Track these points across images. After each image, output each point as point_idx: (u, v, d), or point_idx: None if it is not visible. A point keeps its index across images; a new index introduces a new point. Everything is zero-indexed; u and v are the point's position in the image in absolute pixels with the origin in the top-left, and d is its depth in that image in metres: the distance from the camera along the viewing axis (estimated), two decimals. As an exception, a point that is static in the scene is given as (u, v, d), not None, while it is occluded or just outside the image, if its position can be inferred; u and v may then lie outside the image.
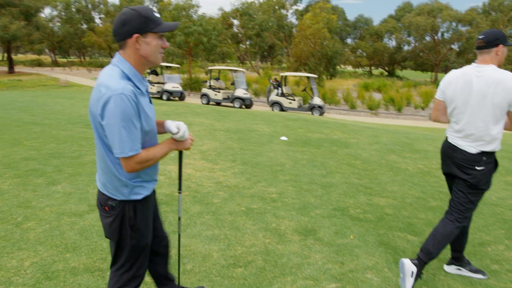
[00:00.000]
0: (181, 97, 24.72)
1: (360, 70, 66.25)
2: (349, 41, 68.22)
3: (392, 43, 63.28)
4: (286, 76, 23.29)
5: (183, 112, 12.86)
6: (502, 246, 3.90)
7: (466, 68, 2.92)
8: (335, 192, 5.13)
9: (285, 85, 23.05)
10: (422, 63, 58.03)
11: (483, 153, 2.86)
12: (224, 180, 5.44)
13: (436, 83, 42.54)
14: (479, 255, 3.67)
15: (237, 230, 3.85)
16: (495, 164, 2.97)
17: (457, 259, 3.32)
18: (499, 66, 2.86)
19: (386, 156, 7.50)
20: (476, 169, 2.88)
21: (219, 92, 23.08)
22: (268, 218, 4.18)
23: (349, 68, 70.93)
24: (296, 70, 34.08)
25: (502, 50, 2.84)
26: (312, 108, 21.44)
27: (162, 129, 2.16)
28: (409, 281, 2.93)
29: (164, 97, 24.08)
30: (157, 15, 1.87)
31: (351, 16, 77.60)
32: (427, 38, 54.78)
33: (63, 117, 10.06)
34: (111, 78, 1.78)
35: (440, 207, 4.84)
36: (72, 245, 3.36)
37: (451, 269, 3.32)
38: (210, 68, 25.20)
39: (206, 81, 24.95)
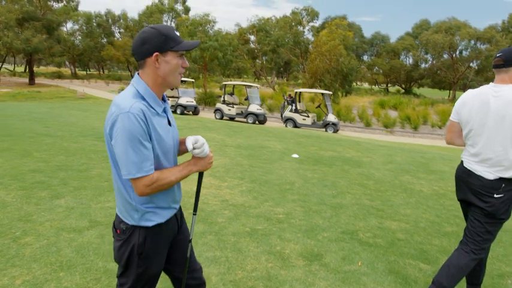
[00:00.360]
0: (195, 111, 24.82)
1: (376, 87, 65.83)
2: (365, 58, 68.02)
3: (409, 60, 62.89)
4: (300, 92, 23.20)
5: (195, 127, 12.82)
6: (523, 278, 3.64)
7: (483, 88, 2.75)
8: (345, 214, 4.93)
9: (300, 101, 22.92)
10: (439, 81, 57.34)
11: (502, 179, 2.66)
12: (230, 198, 5.30)
13: (454, 101, 41.90)
14: (498, 288, 3.43)
15: (239, 253, 3.68)
16: None
17: None
18: None
19: (400, 177, 7.26)
20: (494, 197, 2.68)
21: (232, 107, 23.08)
22: (273, 240, 4.01)
23: (366, 85, 70.59)
24: (311, 86, 33.99)
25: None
26: (326, 125, 21.23)
27: (184, 147, 2.01)
28: None
29: (178, 111, 24.21)
30: (178, 33, 1.82)
31: (367, 33, 77.53)
32: (445, 56, 54.22)
33: (76, 129, 10.10)
34: (124, 97, 1.74)
35: (456, 233, 4.60)
36: (67, 263, 3.24)
37: None
38: (224, 83, 25.29)
39: (220, 97, 25.04)
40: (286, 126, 21.55)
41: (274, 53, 51.11)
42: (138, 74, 1.84)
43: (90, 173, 5.99)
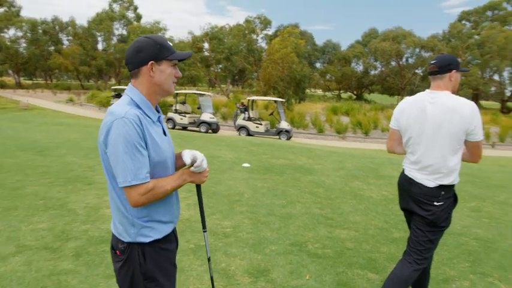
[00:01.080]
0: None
1: (329, 94, 67.25)
2: (318, 65, 69.42)
3: (359, 67, 64.86)
4: (253, 100, 23.17)
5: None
6: (467, 283, 3.66)
7: (420, 95, 2.73)
8: (294, 225, 4.81)
9: (253, 109, 22.89)
10: (388, 87, 59.53)
11: (441, 187, 2.63)
12: (180, 213, 5.03)
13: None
14: (444, 294, 3.41)
15: (181, 272, 3.44)
16: (455, 199, 2.75)
17: None
18: (453, 92, 2.68)
19: (350, 183, 7.29)
20: (435, 204, 2.64)
21: (185, 116, 22.63)
22: (218, 256, 3.80)
23: (319, 92, 72.04)
24: (265, 94, 34.14)
25: (455, 76, 2.66)
26: (279, 132, 21.30)
27: (181, 161, 1.95)
28: None
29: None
30: (171, 43, 1.82)
31: (319, 41, 79.45)
32: (393, 63, 56.50)
33: (14, 143, 9.41)
34: (118, 105, 1.72)
35: (404, 238, 4.59)
36: (-18, 298, 2.88)
37: None
38: (176, 91, 24.81)
39: (172, 105, 24.51)
40: (239, 134, 21.41)
41: (228, 61, 51.01)
42: (131, 83, 1.82)
43: (24, 191, 5.52)
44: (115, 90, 27.27)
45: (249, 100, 22.55)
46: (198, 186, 2.05)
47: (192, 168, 1.85)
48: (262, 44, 54.75)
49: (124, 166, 1.63)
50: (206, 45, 50.14)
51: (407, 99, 2.81)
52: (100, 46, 61.18)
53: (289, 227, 4.74)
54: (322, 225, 4.91)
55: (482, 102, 58.74)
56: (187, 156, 1.87)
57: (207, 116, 22.00)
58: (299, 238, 4.41)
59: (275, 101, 23.83)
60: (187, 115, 22.79)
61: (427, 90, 2.73)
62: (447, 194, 2.65)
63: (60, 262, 3.51)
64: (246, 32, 51.43)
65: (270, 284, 3.33)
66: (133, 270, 1.77)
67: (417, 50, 52.63)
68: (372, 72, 62.26)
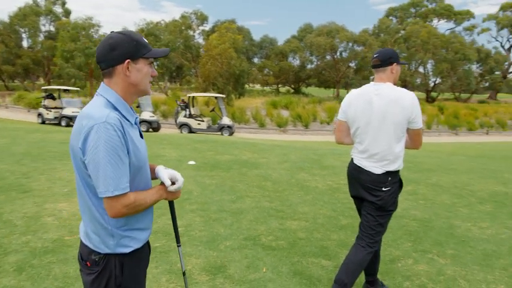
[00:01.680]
0: (82, 122, 23.01)
1: (267, 88, 68.04)
2: (256, 60, 69.95)
3: (296, 62, 66.21)
4: (194, 97, 22.92)
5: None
6: (411, 260, 3.92)
7: (365, 87, 2.87)
8: (245, 219, 4.85)
9: (193, 106, 22.64)
10: (325, 80, 61.44)
11: (388, 173, 2.80)
12: (124, 215, 4.87)
13: (338, 98, 45.23)
14: (392, 273, 3.63)
15: (136, 277, 3.35)
16: (400, 184, 2.93)
17: (371, 283, 3.22)
18: (394, 83, 2.86)
19: (296, 175, 7.47)
20: (383, 190, 2.80)
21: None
22: (173, 257, 3.74)
23: (258, 87, 72.67)
24: (205, 90, 33.88)
25: (396, 69, 2.85)
26: (221, 128, 21.28)
27: (153, 175, 1.86)
28: None
29: (63, 123, 22.17)
30: (146, 40, 1.70)
31: (256, 36, 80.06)
32: (328, 57, 58.34)
33: None
34: (94, 108, 1.58)
35: (351, 224, 4.81)
36: None
37: None
38: (113, 90, 23.88)
39: (110, 105, 23.58)
40: (181, 132, 21.09)
41: (165, 57, 49.94)
42: (103, 82, 1.68)
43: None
44: (45, 90, 25.64)
45: (189, 97, 22.26)
46: (171, 202, 2.00)
47: (171, 188, 1.77)
48: (200, 40, 54.11)
49: (106, 175, 1.51)
50: (141, 42, 48.70)
51: (353, 92, 2.94)
52: (25, 43, 57.01)
53: (241, 221, 4.77)
54: (273, 217, 5.00)
55: (410, 93, 62.42)
56: (165, 176, 1.78)
57: (147, 115, 21.41)
58: (252, 232, 4.45)
59: (215, 97, 23.74)
60: (125, 114, 22.06)
61: (371, 82, 2.87)
62: (393, 179, 2.82)
63: (0, 279, 3.27)
64: (183, 28, 50.53)
65: (228, 279, 3.34)
66: (107, 283, 1.66)
67: (350, 44, 54.77)
68: (308, 66, 63.86)
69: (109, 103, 1.62)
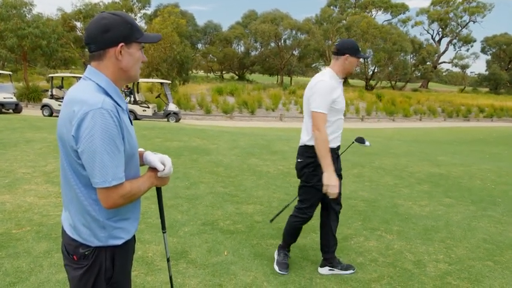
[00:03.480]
0: (17, 109, 21.41)
1: (212, 75, 67.50)
2: (200, 46, 68.99)
3: (240, 48, 66.29)
4: (137, 83, 22.22)
5: (19, 127, 11.05)
6: (362, 238, 4.18)
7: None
8: (202, 205, 4.88)
9: (138, 92, 21.96)
10: (269, 67, 62.06)
11: (302, 146, 3.19)
12: (75, 204, 4.71)
13: (282, 85, 45.87)
14: (346, 250, 3.85)
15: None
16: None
17: (328, 260, 3.41)
18: (347, 73, 3.12)
19: (247, 160, 7.58)
20: (298, 161, 3.22)
21: (63, 102, 20.76)
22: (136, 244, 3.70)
23: (202, 73, 71.78)
24: (148, 76, 32.90)
25: (350, 60, 3.06)
26: (167, 115, 20.86)
27: (141, 161, 1.78)
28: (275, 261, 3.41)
29: (-6, 110, 20.58)
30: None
31: (200, 22, 78.75)
32: (272, 44, 58.91)
33: None
34: (85, 92, 1.47)
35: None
36: None
37: (325, 270, 3.40)
38: (51, 75, 22.48)
39: (47, 90, 22.18)
40: None
41: (103, 41, 47.77)
42: (91, 65, 1.56)
43: None
44: None
45: (133, 83, 21.54)
46: (159, 189, 1.92)
47: (160, 174, 1.69)
48: (142, 23, 52.26)
49: (103, 164, 1.42)
50: (79, 24, 46.12)
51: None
52: None
53: (197, 207, 4.79)
54: (229, 202, 5.07)
55: (350, 81, 64.89)
56: (156, 161, 1.70)
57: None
58: (209, 217, 4.50)
59: (161, 83, 23.17)
60: (64, 101, 20.90)
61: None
62: (306, 153, 3.13)
63: None
64: (123, 10, 48.46)
65: (191, 264, 3.38)
66: (96, 277, 1.58)
67: (294, 32, 55.61)
68: (253, 53, 64.12)
69: (100, 88, 1.52)
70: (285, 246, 3.43)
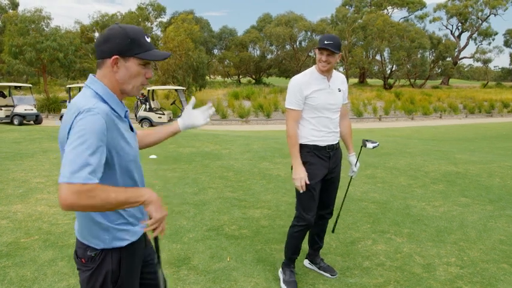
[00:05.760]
0: (38, 120, 21.99)
1: (229, 79, 67.85)
2: (216, 51, 69.45)
3: (256, 52, 66.35)
4: (153, 90, 22.49)
5: (38, 137, 11.33)
6: (370, 241, 4.07)
7: None
8: (208, 211, 4.85)
9: (153, 99, 22.22)
10: (285, 69, 61.94)
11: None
12: (84, 213, 4.75)
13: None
14: (352, 254, 3.75)
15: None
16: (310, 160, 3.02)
17: (310, 255, 3.46)
18: (321, 70, 2.95)
19: (258, 164, 7.53)
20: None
21: (68, 110, 21.14)
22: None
23: (219, 78, 72.25)
24: (165, 83, 33.29)
25: (317, 53, 2.94)
26: None
27: (171, 129, 2.02)
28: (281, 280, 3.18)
29: (16, 122, 21.12)
30: (148, 39, 1.61)
31: (215, 27, 79.37)
32: (287, 47, 58.84)
33: None
34: (82, 98, 1.54)
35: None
36: None
37: (306, 262, 3.50)
38: (69, 86, 22.99)
39: (65, 101, 22.67)
40: (142, 126, 20.67)
41: (122, 51, 48.64)
42: (92, 74, 1.62)
43: None
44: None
45: (148, 90, 21.82)
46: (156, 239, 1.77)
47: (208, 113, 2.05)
48: (158, 32, 53.02)
49: (71, 158, 1.36)
50: (97, 34, 47.11)
51: None
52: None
53: (204, 213, 4.77)
54: (236, 207, 5.03)
55: (368, 80, 64.21)
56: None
57: (105, 110, 20.82)
58: (215, 223, 4.47)
59: (176, 90, 23.39)
60: (82, 110, 21.30)
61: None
62: (302, 152, 3.00)
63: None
64: (140, 19, 49.31)
65: (193, 271, 3.35)
66: (104, 279, 1.60)
67: (309, 33, 55.41)
68: (269, 56, 64.12)
69: (97, 95, 1.56)
70: (289, 263, 3.21)
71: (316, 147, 3.00)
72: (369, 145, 3.44)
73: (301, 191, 2.96)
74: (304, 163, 2.97)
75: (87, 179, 1.36)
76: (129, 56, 1.56)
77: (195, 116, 2.06)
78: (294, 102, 2.96)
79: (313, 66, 3.04)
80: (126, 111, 1.67)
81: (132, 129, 1.71)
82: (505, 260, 3.67)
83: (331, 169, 3.10)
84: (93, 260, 1.60)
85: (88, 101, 1.50)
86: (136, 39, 1.57)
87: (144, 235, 1.82)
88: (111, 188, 1.46)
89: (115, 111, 1.57)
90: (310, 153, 3.00)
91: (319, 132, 3.00)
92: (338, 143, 3.18)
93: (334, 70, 3.06)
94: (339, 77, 3.12)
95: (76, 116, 1.44)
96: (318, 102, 2.95)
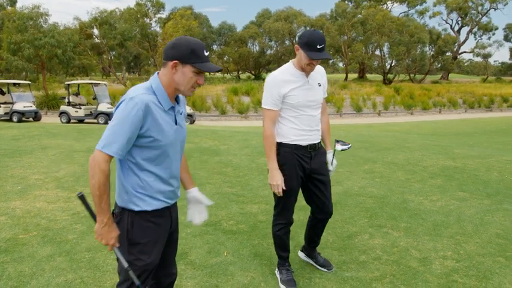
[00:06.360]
0: (37, 117, 22.00)
1: (228, 75, 67.74)
2: (215, 47, 69.30)
3: (256, 48, 66.25)
4: (78, 85, 22.86)
5: (37, 134, 11.32)
6: (367, 235, 4.09)
7: None
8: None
9: (78, 94, 22.45)
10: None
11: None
12: (82, 209, 4.76)
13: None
14: (349, 249, 3.77)
15: (96, 270, 3.32)
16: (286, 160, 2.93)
17: (306, 249, 3.47)
18: (300, 66, 2.83)
19: (256, 160, 7.55)
20: None
21: (80, 108, 21.12)
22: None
23: (218, 74, 72.19)
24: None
25: (299, 53, 2.79)
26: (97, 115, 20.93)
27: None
28: (279, 280, 3.15)
29: (15, 119, 21.13)
30: (206, 53, 1.92)
31: (214, 23, 79.20)
32: (287, 42, 58.77)
33: None
34: (136, 88, 1.92)
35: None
36: None
37: (302, 254, 3.51)
38: (67, 82, 22.97)
39: (64, 98, 22.67)
40: (61, 120, 20.75)
41: (122, 47, 48.42)
42: (158, 72, 1.98)
43: None
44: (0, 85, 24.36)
45: (68, 85, 22.28)
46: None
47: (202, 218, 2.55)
48: (157, 28, 52.82)
49: (107, 134, 1.83)
50: (96, 31, 46.95)
51: None
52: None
53: (202, 208, 4.78)
54: (234, 202, 5.05)
55: (368, 75, 64.10)
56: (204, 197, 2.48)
57: (104, 107, 20.79)
58: (213, 218, 4.48)
59: (91, 83, 23.33)
60: (82, 107, 21.29)
61: None
62: (282, 151, 2.91)
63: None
64: (138, 16, 49.11)
65: (190, 265, 3.37)
66: (122, 233, 1.97)
67: (308, 29, 55.30)
68: (268, 52, 64.05)
69: (150, 88, 1.92)
70: (283, 262, 3.17)
71: (297, 147, 2.88)
72: (337, 146, 3.14)
73: (279, 196, 2.91)
74: (283, 164, 2.89)
75: (115, 154, 1.83)
76: (187, 63, 1.88)
77: (197, 208, 2.50)
78: (270, 102, 2.82)
79: (290, 62, 2.88)
80: (173, 106, 1.98)
81: (176, 123, 2.01)
82: (501, 253, 3.69)
83: (313, 169, 2.98)
84: (116, 215, 2.01)
85: (138, 90, 1.88)
86: (196, 51, 1.88)
87: (170, 215, 2.15)
88: (106, 199, 1.86)
89: (160, 103, 1.91)
90: (290, 153, 2.88)
91: (301, 131, 2.88)
92: (320, 142, 3.06)
93: None
94: (317, 71, 2.95)
95: (123, 101, 1.85)
96: (297, 100, 2.82)
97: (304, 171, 2.96)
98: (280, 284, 3.10)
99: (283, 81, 2.80)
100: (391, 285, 3.11)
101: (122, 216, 1.98)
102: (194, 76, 1.91)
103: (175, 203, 2.21)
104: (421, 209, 4.88)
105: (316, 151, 2.98)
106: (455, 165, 7.39)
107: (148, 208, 1.98)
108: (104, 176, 1.82)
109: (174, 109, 2.00)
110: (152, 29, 51.93)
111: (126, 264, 1.96)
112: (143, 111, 1.83)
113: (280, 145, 2.90)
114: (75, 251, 3.66)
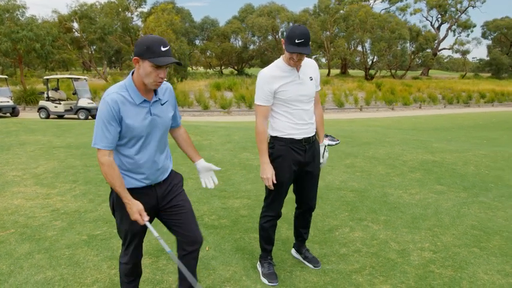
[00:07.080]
0: (14, 112, 21.46)
1: (211, 71, 67.34)
2: (198, 42, 68.77)
3: (238, 43, 66.08)
4: (58, 80, 22.51)
5: (15, 130, 11.08)
6: (347, 229, 4.15)
7: None
8: (189, 201, 4.86)
9: (57, 89, 22.12)
10: (268, 60, 61.75)
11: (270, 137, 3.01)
12: (62, 206, 4.71)
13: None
14: (329, 242, 3.83)
15: (76, 266, 3.29)
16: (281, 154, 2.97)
17: (296, 245, 3.51)
18: (290, 65, 2.84)
19: (239, 155, 7.56)
20: None
21: (59, 103, 20.69)
22: (114, 243, 3.70)
23: (201, 69, 71.63)
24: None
25: (286, 48, 2.77)
26: (77, 111, 20.66)
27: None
28: (260, 274, 3.18)
29: (-9, 114, 20.63)
30: (163, 48, 2.08)
31: (197, 18, 78.46)
32: (270, 37, 58.74)
33: None
34: (112, 87, 2.20)
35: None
36: None
37: (293, 251, 3.56)
38: (46, 77, 22.47)
39: (43, 93, 22.18)
40: (40, 116, 20.44)
41: (103, 41, 47.64)
42: (133, 71, 2.23)
43: None
44: None
45: (47, 79, 21.92)
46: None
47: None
48: (139, 22, 52.15)
49: (95, 132, 2.17)
50: (76, 25, 46.03)
51: None
52: None
53: (184, 204, 4.77)
54: (216, 197, 5.06)
55: (350, 71, 64.63)
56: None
57: (84, 102, 20.40)
58: (195, 213, 4.46)
59: (70, 78, 23.00)
60: (62, 102, 20.86)
61: None
62: (276, 145, 2.98)
63: None
64: (120, 9, 48.37)
65: (171, 261, 3.37)
66: (111, 202, 2.41)
67: (291, 24, 55.36)
68: (251, 47, 63.94)
69: (124, 85, 2.20)
70: (266, 255, 3.20)
71: (291, 141, 2.93)
72: (325, 141, 3.20)
73: (270, 189, 2.97)
74: (277, 158, 2.94)
75: (105, 146, 2.16)
76: (145, 59, 2.08)
77: (207, 175, 2.99)
78: (262, 98, 2.88)
79: (281, 57, 2.91)
80: (144, 100, 2.21)
81: (151, 114, 2.23)
82: (476, 244, 3.80)
83: (307, 162, 3.03)
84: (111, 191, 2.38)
85: (110, 90, 2.17)
86: (150, 47, 2.06)
87: (156, 192, 2.45)
88: (120, 180, 2.22)
89: (132, 98, 2.17)
90: (284, 147, 2.93)
91: (295, 125, 2.92)
92: (315, 135, 3.08)
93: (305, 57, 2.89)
94: (309, 64, 2.98)
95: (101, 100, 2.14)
96: (288, 96, 2.86)
97: (299, 164, 3.00)
98: (261, 277, 3.13)
99: (273, 77, 2.84)
100: (370, 276, 3.18)
101: (112, 191, 2.35)
102: (154, 70, 2.09)
103: (163, 182, 2.49)
104: (401, 202, 4.98)
105: (310, 144, 3.03)
106: (433, 159, 7.54)
107: (128, 186, 2.27)
108: (104, 167, 2.16)
109: (149, 102, 2.24)
110: (134, 23, 51.30)
111: (155, 234, 2.30)
112: (114, 109, 2.11)
113: (275, 139, 2.96)
114: (55, 247, 3.61)
